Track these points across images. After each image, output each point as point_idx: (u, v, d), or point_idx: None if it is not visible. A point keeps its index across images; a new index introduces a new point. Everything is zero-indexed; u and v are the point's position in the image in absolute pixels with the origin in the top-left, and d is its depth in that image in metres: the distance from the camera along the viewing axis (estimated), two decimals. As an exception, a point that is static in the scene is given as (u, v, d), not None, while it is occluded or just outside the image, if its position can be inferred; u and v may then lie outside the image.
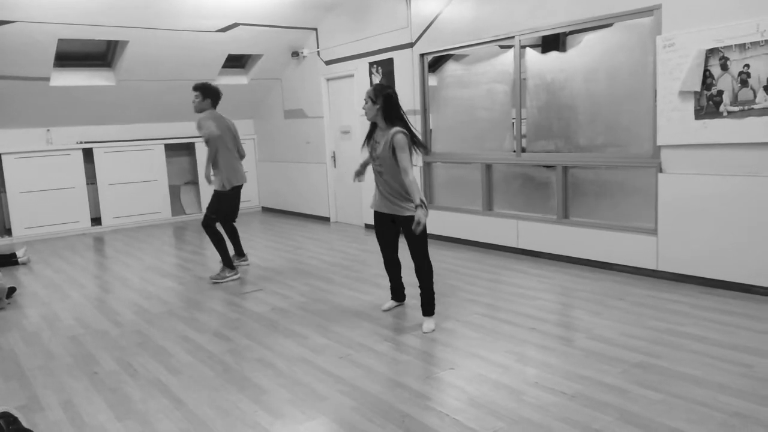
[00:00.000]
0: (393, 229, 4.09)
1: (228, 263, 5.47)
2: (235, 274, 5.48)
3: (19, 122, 8.04)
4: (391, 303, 4.40)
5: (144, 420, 2.87)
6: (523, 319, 4.03)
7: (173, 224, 9.06)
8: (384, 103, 3.83)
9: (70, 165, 8.33)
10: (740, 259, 4.32)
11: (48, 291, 5.42)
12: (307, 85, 8.72)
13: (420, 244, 3.91)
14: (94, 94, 8.04)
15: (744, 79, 4.14)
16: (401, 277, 4.38)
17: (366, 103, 3.88)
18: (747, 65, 4.12)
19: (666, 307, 4.12)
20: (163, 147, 9.06)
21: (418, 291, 4.10)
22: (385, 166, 3.86)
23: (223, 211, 5.59)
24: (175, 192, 9.51)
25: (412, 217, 3.78)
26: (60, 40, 7.02)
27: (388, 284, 4.48)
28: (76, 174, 8.37)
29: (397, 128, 3.78)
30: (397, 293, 4.40)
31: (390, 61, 7.16)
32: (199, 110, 5.47)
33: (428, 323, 3.95)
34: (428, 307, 4.00)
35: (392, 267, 4.28)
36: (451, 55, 6.80)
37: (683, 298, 4.28)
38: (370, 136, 4.01)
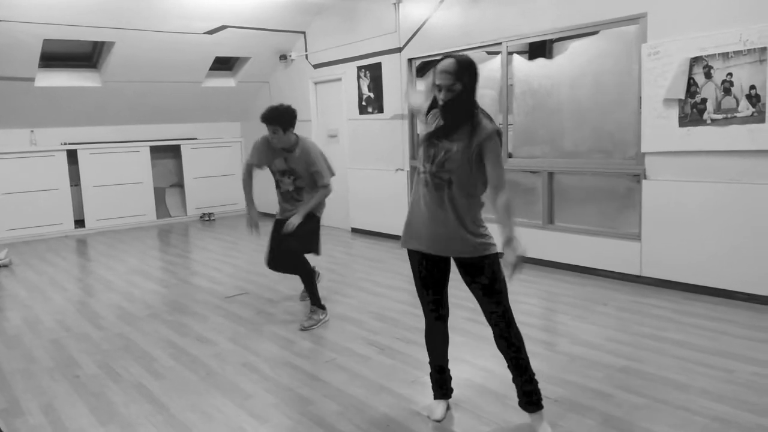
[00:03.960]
0: (445, 275, 2.75)
1: (318, 302, 4.33)
2: (326, 315, 4.35)
3: (3, 123, 7.94)
4: (443, 406, 2.85)
5: (126, 425, 2.84)
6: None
7: (158, 227, 9.00)
8: (470, 81, 2.50)
9: (54, 166, 8.23)
10: (723, 266, 4.37)
11: (30, 293, 5.36)
12: (294, 88, 8.71)
13: (503, 296, 2.60)
14: (79, 95, 7.97)
15: (727, 87, 4.20)
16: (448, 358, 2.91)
17: (443, 84, 2.49)
18: (730, 74, 4.17)
19: (649, 313, 4.16)
20: (148, 149, 8.99)
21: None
22: (457, 178, 2.50)
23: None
24: (160, 194, 9.45)
25: (487, 259, 2.55)
26: (45, 41, 6.95)
27: (379, 291, 4.43)
28: (60, 175, 8.27)
29: (492, 124, 2.52)
30: (447, 385, 2.89)
31: (378, 65, 7.18)
32: (290, 145, 4.24)
33: (543, 425, 2.63)
34: (534, 397, 2.65)
35: (442, 339, 2.83)
36: (439, 61, 6.81)
37: (666, 304, 4.32)
38: (434, 136, 2.58)
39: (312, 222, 4.36)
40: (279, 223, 4.36)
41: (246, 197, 4.39)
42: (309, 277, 4.30)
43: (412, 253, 2.73)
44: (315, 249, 4.43)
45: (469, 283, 2.62)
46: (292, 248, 4.25)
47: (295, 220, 4.19)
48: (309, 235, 4.35)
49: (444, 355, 2.85)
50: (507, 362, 2.65)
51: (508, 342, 2.59)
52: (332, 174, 4.46)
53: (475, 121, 2.50)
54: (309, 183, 4.32)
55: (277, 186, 4.39)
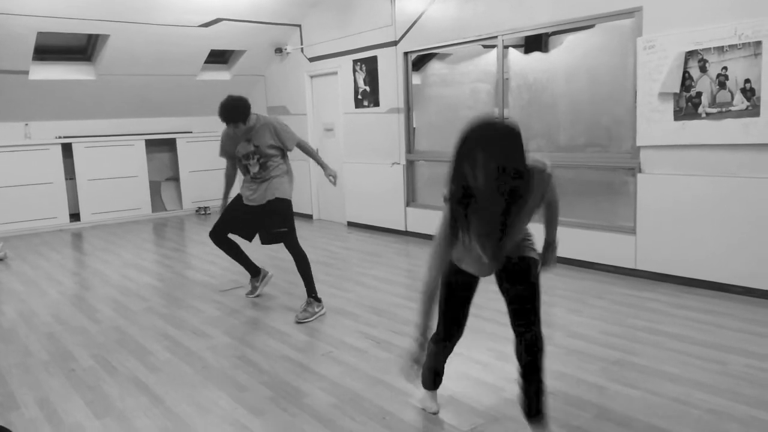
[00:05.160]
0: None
1: (314, 294, 4.31)
2: (323, 308, 4.33)
3: (-3, 116, 7.92)
4: (436, 397, 2.83)
5: (122, 418, 2.85)
6: (504, 316, 4.01)
7: (153, 220, 8.98)
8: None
9: (49, 160, 8.20)
10: (718, 259, 4.38)
11: (25, 287, 5.34)
12: (290, 81, 8.69)
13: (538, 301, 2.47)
14: (73, 89, 7.94)
15: (722, 81, 4.21)
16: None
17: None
18: (725, 68, 4.18)
19: (644, 306, 4.17)
20: (143, 142, 8.97)
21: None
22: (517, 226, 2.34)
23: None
24: (155, 188, 9.43)
25: (532, 261, 2.47)
26: (39, 33, 6.91)
27: (375, 285, 4.42)
28: (54, 169, 8.25)
29: (541, 165, 2.25)
30: (440, 378, 2.81)
31: (374, 59, 7.16)
32: (249, 128, 4.31)
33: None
34: (544, 405, 2.48)
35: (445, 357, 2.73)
36: (435, 54, 6.82)
37: (661, 297, 4.34)
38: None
39: (284, 204, 4.39)
40: (244, 206, 4.48)
41: (225, 190, 4.64)
42: (305, 262, 4.33)
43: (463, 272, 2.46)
44: (283, 226, 4.34)
45: (507, 290, 2.48)
46: (282, 234, 4.33)
47: (335, 173, 4.49)
48: (288, 219, 4.38)
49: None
50: (524, 369, 2.43)
51: (536, 347, 2.41)
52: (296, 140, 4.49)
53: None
54: (271, 156, 4.35)
55: (245, 172, 4.43)
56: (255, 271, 4.83)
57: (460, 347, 3.49)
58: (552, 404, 2.80)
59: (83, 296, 5.03)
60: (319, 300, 4.30)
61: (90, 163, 8.51)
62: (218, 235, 4.59)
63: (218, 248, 4.68)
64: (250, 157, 4.36)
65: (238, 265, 5.65)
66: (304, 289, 4.35)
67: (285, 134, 4.36)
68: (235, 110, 4.19)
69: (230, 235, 4.62)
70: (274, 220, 4.34)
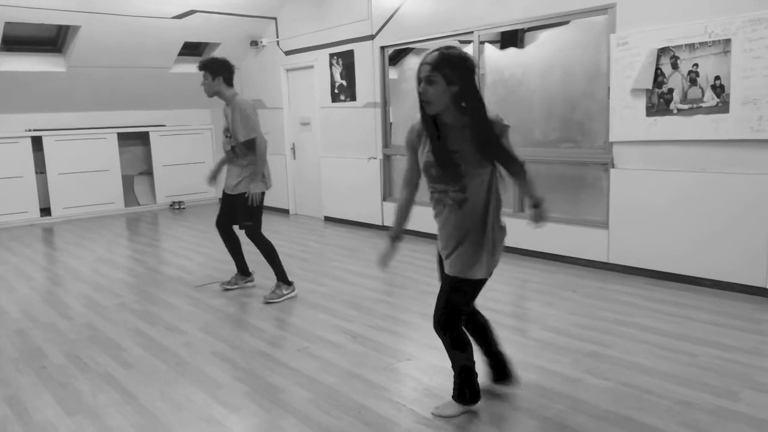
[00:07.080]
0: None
1: (284, 278, 4.49)
2: (293, 290, 4.52)
3: (-37, 108, 7.72)
4: None
5: (94, 415, 2.81)
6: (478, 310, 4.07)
7: (126, 215, 8.86)
8: (464, 82, 2.44)
9: (19, 153, 8.02)
10: (688, 253, 4.47)
11: (-7, 283, 5.24)
12: (266, 75, 8.62)
13: None
14: (43, 81, 7.77)
15: (693, 78, 4.28)
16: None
17: (423, 84, 2.42)
18: (696, 65, 4.25)
19: (616, 299, 4.24)
20: (116, 136, 8.82)
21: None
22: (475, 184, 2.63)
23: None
24: (128, 182, 9.29)
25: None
26: (7, 24, 6.75)
27: (352, 279, 4.38)
28: (24, 163, 8.07)
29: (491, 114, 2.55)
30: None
31: (350, 53, 7.13)
32: (212, 93, 4.35)
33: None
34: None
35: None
36: (412, 49, 6.82)
37: (633, 290, 4.41)
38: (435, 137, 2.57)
39: (243, 200, 4.40)
40: (224, 195, 4.59)
41: (221, 160, 4.67)
42: (270, 249, 4.44)
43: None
44: (248, 221, 4.46)
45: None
46: (248, 227, 4.47)
47: (255, 189, 4.35)
48: (242, 210, 4.44)
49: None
50: (494, 346, 2.90)
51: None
52: (255, 133, 4.33)
53: None
54: (240, 145, 4.35)
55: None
56: (245, 271, 4.84)
57: (435, 340, 3.51)
58: (525, 396, 2.83)
59: (54, 292, 4.95)
60: (289, 283, 4.40)
61: (61, 157, 8.35)
62: (223, 225, 4.64)
63: (221, 238, 4.73)
64: (225, 133, 4.46)
65: (214, 260, 5.61)
66: (270, 281, 4.46)
67: (240, 125, 4.25)
68: (211, 61, 4.31)
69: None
70: (239, 215, 4.47)
